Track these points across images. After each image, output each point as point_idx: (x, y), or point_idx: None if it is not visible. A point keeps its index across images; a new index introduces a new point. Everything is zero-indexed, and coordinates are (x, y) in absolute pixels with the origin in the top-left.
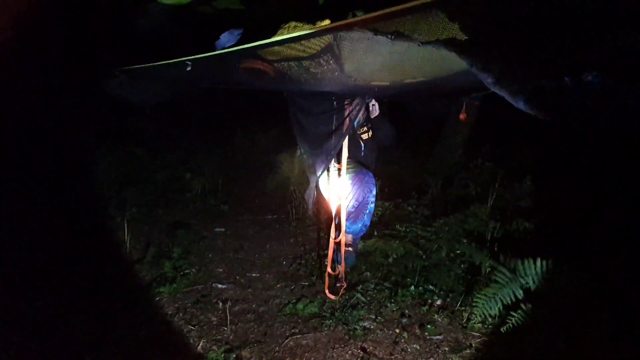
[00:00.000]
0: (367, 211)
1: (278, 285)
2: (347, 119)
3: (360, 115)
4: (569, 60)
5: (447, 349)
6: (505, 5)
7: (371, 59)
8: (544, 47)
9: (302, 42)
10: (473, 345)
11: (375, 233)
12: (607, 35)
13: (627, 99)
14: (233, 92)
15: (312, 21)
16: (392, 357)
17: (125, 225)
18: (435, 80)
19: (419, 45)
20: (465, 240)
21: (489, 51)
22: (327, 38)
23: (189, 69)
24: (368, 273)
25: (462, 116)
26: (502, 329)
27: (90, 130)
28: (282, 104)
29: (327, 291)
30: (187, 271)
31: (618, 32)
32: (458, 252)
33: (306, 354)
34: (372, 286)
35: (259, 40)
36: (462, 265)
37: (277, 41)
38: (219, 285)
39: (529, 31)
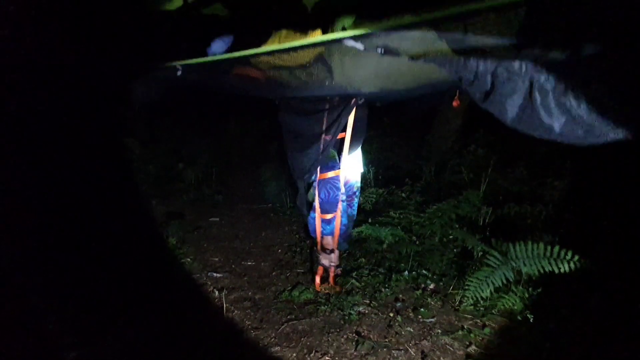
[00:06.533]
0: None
1: (273, 273)
2: (339, 119)
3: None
4: (567, 31)
5: (439, 331)
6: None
7: (361, 70)
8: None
9: (293, 53)
10: (465, 326)
11: (370, 220)
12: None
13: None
14: None
15: (303, 29)
16: (386, 340)
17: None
18: (428, 85)
19: (408, 60)
20: (457, 226)
21: (477, 67)
22: (318, 48)
23: (179, 73)
24: (362, 259)
25: (455, 103)
26: (493, 311)
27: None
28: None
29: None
30: (182, 261)
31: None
32: (451, 237)
33: (302, 339)
34: (367, 272)
35: (251, 48)
36: (454, 250)
37: (268, 51)
38: (215, 274)
39: None
